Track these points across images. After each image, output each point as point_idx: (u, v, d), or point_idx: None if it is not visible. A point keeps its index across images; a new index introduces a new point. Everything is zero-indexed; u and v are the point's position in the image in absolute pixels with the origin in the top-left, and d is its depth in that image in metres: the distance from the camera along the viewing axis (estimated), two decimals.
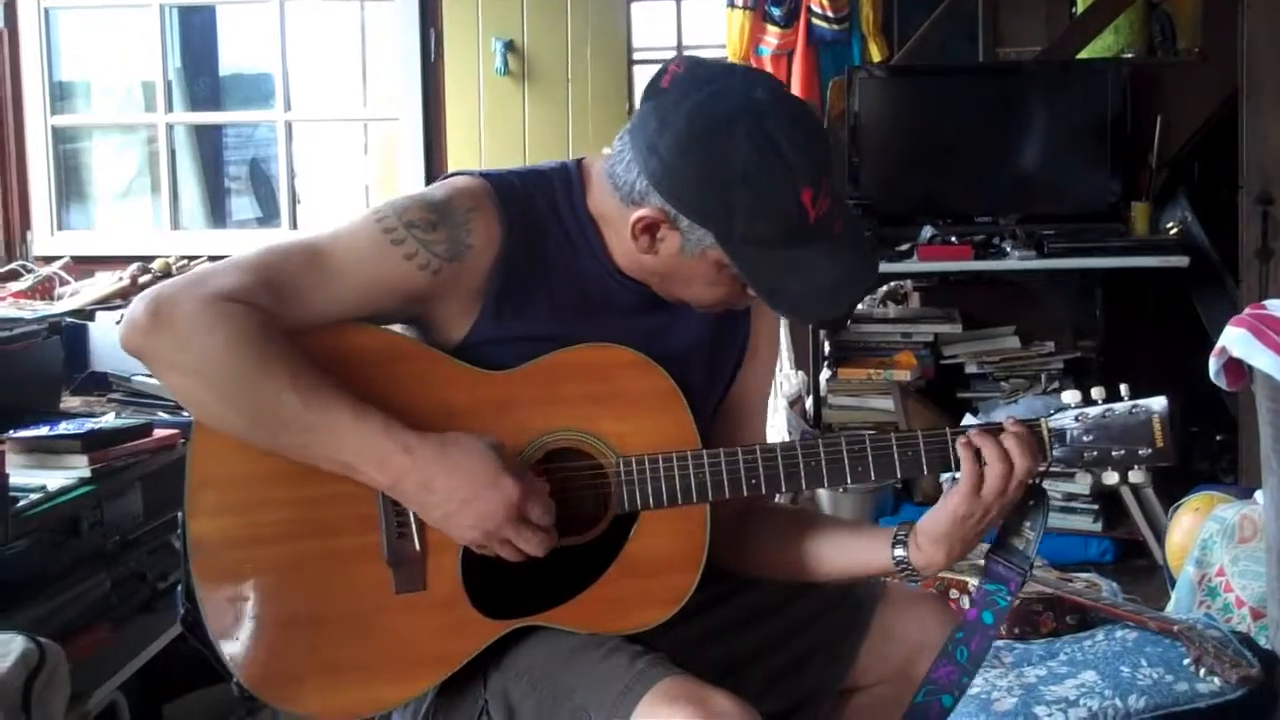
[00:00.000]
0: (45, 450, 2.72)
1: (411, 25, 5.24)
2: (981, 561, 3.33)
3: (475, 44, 5.21)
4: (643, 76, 5.77)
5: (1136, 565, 4.09)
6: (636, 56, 5.69)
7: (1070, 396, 1.77)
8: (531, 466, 1.71)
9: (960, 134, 4.73)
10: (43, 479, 2.65)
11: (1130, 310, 4.66)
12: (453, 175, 1.75)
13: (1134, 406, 1.75)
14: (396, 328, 1.75)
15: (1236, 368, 2.75)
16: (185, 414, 3.19)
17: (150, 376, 3.41)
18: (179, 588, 1.71)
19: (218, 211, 6.16)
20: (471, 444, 1.62)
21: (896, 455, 1.74)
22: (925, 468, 1.75)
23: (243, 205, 6.47)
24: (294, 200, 5.64)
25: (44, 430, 2.81)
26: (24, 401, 3.13)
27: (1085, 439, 1.74)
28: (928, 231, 4.45)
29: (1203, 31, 4.79)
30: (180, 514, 1.66)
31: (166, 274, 4.34)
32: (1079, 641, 2.98)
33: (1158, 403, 1.74)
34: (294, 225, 5.56)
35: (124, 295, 4.10)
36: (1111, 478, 1.76)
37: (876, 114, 4.70)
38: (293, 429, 1.59)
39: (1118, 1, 4.80)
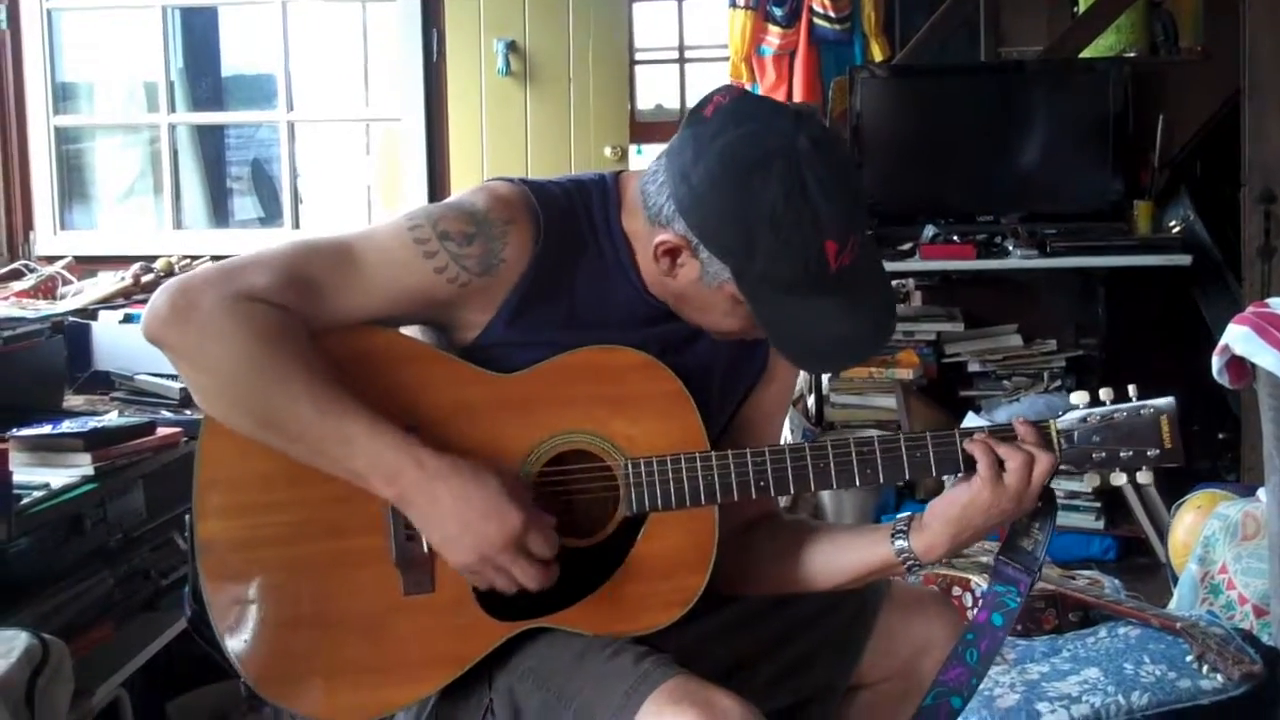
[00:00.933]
0: (48, 449, 2.73)
1: (413, 26, 5.24)
2: (984, 559, 3.35)
3: (477, 44, 5.21)
4: (644, 77, 5.77)
5: (1139, 563, 4.09)
6: (638, 57, 5.70)
7: (1078, 398, 1.77)
8: (539, 469, 1.71)
9: (962, 133, 4.73)
10: (46, 477, 2.66)
11: (1133, 309, 4.66)
12: (494, 181, 1.75)
13: (1142, 407, 1.76)
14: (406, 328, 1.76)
15: (1239, 366, 2.75)
16: (188, 413, 3.23)
17: (153, 376, 3.43)
18: (186, 588, 1.72)
19: (220, 212, 6.16)
20: (483, 472, 1.61)
21: (905, 457, 1.74)
22: (934, 469, 1.75)
23: (245, 205, 6.47)
24: (296, 200, 5.64)
25: (47, 429, 2.81)
26: (27, 400, 3.13)
27: (1093, 440, 1.75)
28: (930, 231, 4.46)
29: (1205, 30, 4.79)
30: (188, 515, 1.66)
31: (169, 274, 4.34)
32: (1082, 638, 2.98)
33: (1165, 403, 1.76)
34: (296, 225, 5.56)
35: (126, 295, 4.11)
36: (1119, 479, 1.78)
37: (878, 114, 4.70)
38: (306, 437, 1.59)
39: (1119, 0, 4.80)
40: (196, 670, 2.97)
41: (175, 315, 1.57)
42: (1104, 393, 1.76)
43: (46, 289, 4.24)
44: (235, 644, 1.64)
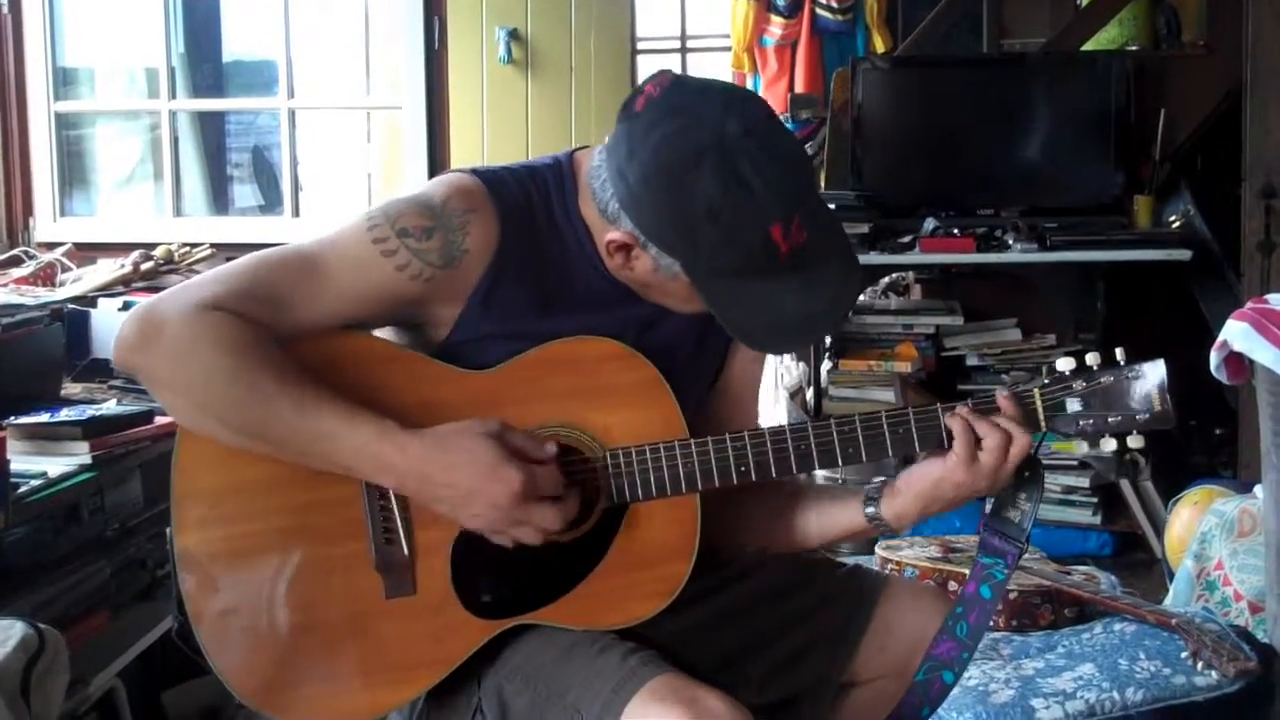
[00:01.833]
0: (46, 437, 2.73)
1: (415, 13, 5.23)
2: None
3: (479, 32, 5.21)
4: (647, 66, 5.76)
5: (1135, 559, 4.10)
6: (640, 46, 5.69)
7: (1064, 364, 1.76)
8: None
9: (963, 126, 4.72)
10: (44, 465, 2.66)
11: (1132, 303, 4.66)
12: (449, 174, 1.74)
13: (1130, 370, 1.74)
14: (378, 330, 1.75)
15: (1237, 362, 2.75)
16: None
17: None
18: (172, 598, 1.71)
19: (220, 199, 6.16)
20: (469, 435, 1.61)
21: (888, 434, 1.74)
22: (918, 444, 1.75)
23: (245, 193, 6.47)
24: (296, 188, 5.64)
25: (45, 417, 2.81)
26: (25, 388, 3.13)
27: (1081, 407, 1.75)
28: (930, 223, 4.45)
29: (1207, 24, 4.79)
30: (168, 529, 1.65)
31: (169, 261, 4.34)
32: (1077, 634, 2.99)
33: (1154, 366, 1.74)
34: (296, 213, 5.55)
35: (126, 282, 4.10)
36: (1110, 445, 1.76)
37: (880, 105, 4.69)
38: (289, 439, 1.59)
39: None
40: (192, 661, 2.97)
41: (144, 339, 1.58)
42: (1090, 357, 1.75)
43: (46, 276, 4.23)
44: (220, 654, 1.64)
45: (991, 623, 3.07)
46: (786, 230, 1.59)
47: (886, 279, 4.96)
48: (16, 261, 4.43)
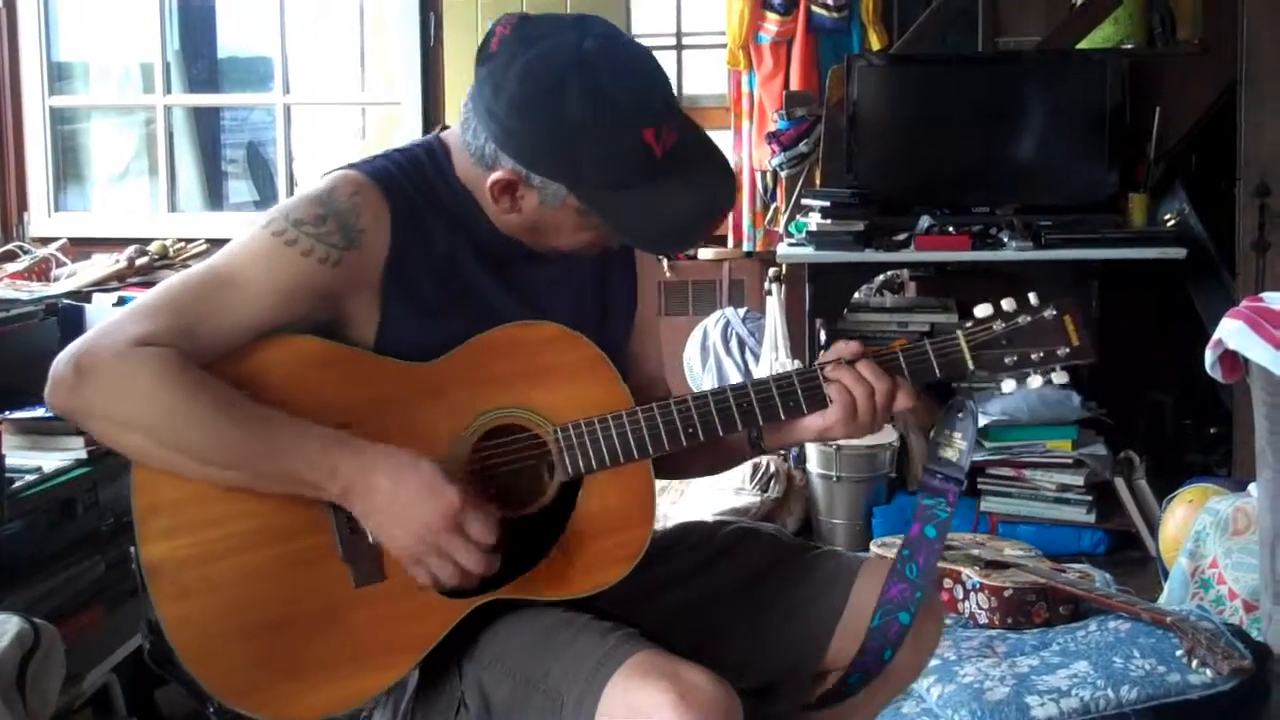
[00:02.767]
0: (41, 432, 2.73)
1: (411, 9, 5.22)
2: (975, 551, 3.35)
3: (475, 28, 5.19)
4: None
5: (1129, 557, 4.10)
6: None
7: (982, 310, 1.82)
8: (471, 448, 1.74)
9: (959, 124, 4.72)
10: (39, 460, 2.66)
11: (1126, 302, 4.66)
12: (328, 172, 1.78)
13: (1044, 309, 1.81)
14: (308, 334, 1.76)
15: (1232, 360, 2.76)
16: None
17: None
18: (141, 622, 1.71)
19: (215, 194, 6.15)
20: (418, 458, 1.64)
21: (824, 384, 1.78)
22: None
23: (240, 188, 6.46)
24: (292, 184, 5.63)
25: (40, 412, 2.81)
26: (20, 383, 3.11)
27: (1003, 344, 1.80)
28: (925, 221, 4.46)
29: (1203, 23, 4.79)
30: (132, 548, 1.65)
31: (163, 256, 4.33)
32: (1071, 632, 2.99)
33: (1066, 303, 1.81)
34: None
35: (121, 277, 4.08)
36: (1035, 381, 1.83)
37: (875, 103, 4.70)
38: (240, 460, 1.62)
39: None
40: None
41: (80, 379, 1.60)
42: (1006, 303, 1.81)
43: (40, 271, 4.22)
44: (199, 662, 1.64)
45: (986, 620, 3.10)
46: (658, 133, 1.66)
47: (881, 276, 4.96)
48: (11, 256, 4.42)
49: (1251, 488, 3.04)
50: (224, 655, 1.65)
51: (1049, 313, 1.80)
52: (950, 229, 4.43)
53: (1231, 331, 2.69)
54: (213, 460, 1.61)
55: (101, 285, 4.00)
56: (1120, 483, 4.17)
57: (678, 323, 5.24)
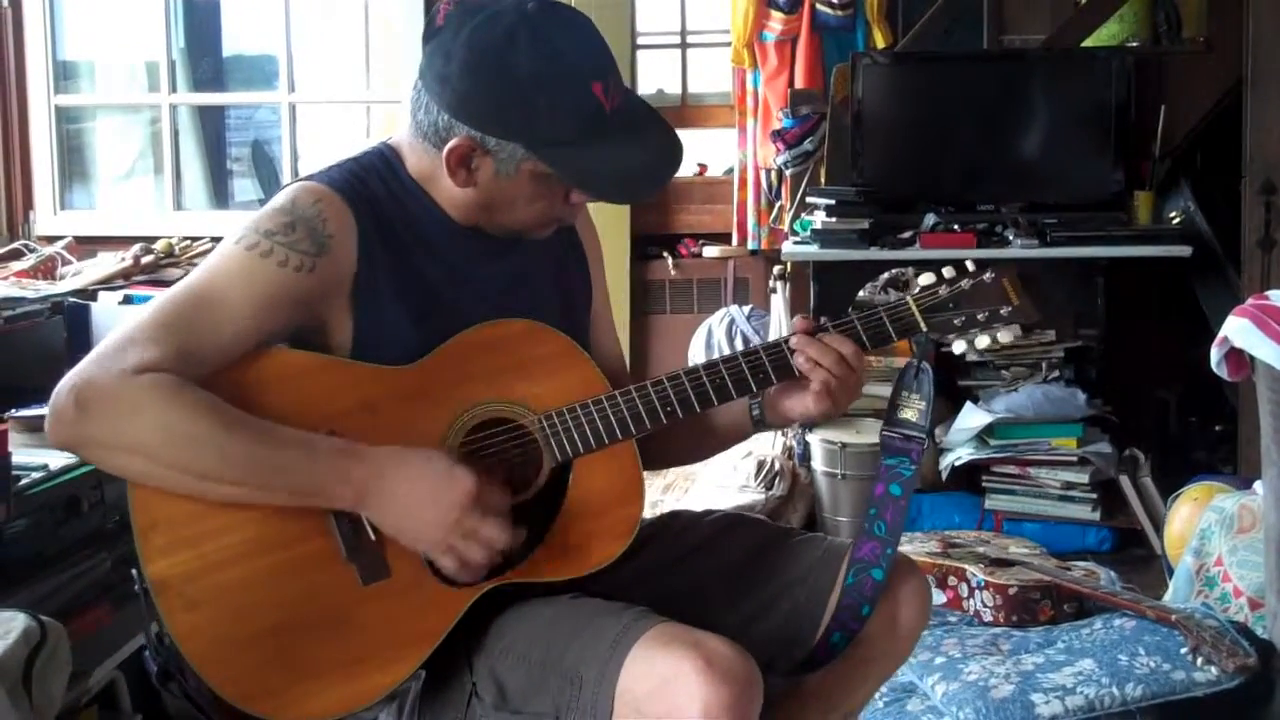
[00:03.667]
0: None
1: (415, 8, 5.23)
2: (980, 549, 3.35)
3: None
4: (647, 62, 5.76)
5: (1135, 554, 4.10)
6: (640, 41, 5.69)
7: (925, 278, 1.92)
8: (460, 444, 1.78)
9: (964, 121, 4.73)
10: (44, 458, 2.66)
11: (1132, 299, 4.66)
12: (284, 186, 1.81)
13: (983, 273, 1.91)
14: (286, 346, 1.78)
15: (1238, 358, 2.75)
16: None
17: None
18: (145, 651, 1.73)
19: (220, 193, 6.16)
20: (425, 452, 1.69)
21: (789, 355, 1.84)
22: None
23: (245, 187, 6.47)
24: (297, 176, 5.63)
25: (46, 409, 2.80)
26: (26, 380, 3.13)
27: (951, 308, 1.89)
28: (930, 219, 4.46)
29: (1207, 21, 4.78)
30: (135, 570, 1.66)
31: (169, 254, 4.34)
32: (1077, 629, 2.99)
33: (1002, 266, 1.93)
34: None
35: (126, 276, 4.10)
36: (983, 340, 1.91)
37: (880, 101, 4.70)
38: (246, 477, 1.63)
39: None
40: None
41: (82, 413, 1.61)
42: (946, 270, 1.91)
43: (46, 269, 4.23)
44: (212, 670, 1.65)
45: (991, 618, 3.10)
46: (606, 88, 1.72)
47: (886, 274, 4.94)
48: (17, 255, 4.43)
49: (1257, 485, 3.04)
50: (236, 661, 1.66)
51: (987, 276, 1.90)
52: (955, 227, 4.43)
53: (1237, 329, 2.68)
54: (218, 478, 1.63)
55: (107, 283, 4.01)
56: (1125, 480, 4.17)
57: (683, 320, 5.24)
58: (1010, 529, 4.11)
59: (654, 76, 5.91)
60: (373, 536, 1.70)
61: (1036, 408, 4.22)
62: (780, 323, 4.72)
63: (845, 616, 1.88)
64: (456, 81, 1.70)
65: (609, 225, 4.57)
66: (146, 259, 4.25)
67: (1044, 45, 4.83)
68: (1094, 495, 4.18)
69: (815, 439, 4.31)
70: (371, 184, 1.80)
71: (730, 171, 5.44)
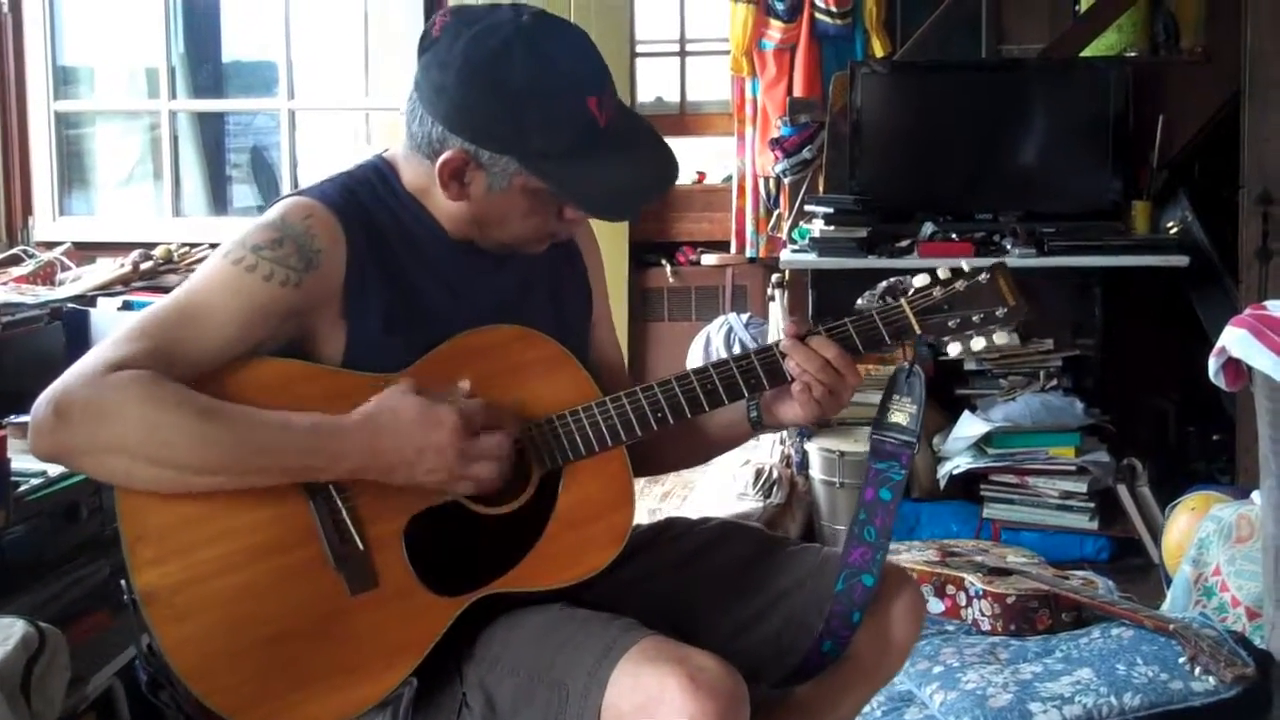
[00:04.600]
0: None
1: (415, 13, 5.24)
2: (979, 558, 3.35)
3: None
4: (646, 70, 5.77)
5: (1132, 564, 4.10)
6: (639, 50, 5.70)
7: (920, 280, 1.88)
8: None
9: (962, 131, 4.73)
10: (43, 464, 2.65)
11: (1129, 309, 4.66)
12: (275, 201, 1.80)
13: (977, 273, 1.86)
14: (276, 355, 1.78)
15: (1236, 368, 2.76)
16: None
17: None
18: (135, 660, 1.72)
19: (219, 199, 6.15)
20: (391, 398, 1.68)
21: (781, 359, 1.82)
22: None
23: (244, 193, 6.47)
24: (296, 188, 5.63)
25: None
26: (25, 387, 3.10)
27: (945, 310, 1.85)
28: (928, 228, 4.46)
29: (1206, 31, 4.79)
30: (124, 580, 1.66)
31: (168, 260, 4.35)
32: (1075, 639, 3.00)
33: (996, 263, 1.88)
34: None
35: (125, 282, 4.10)
36: (979, 343, 1.86)
37: (878, 109, 4.70)
38: (228, 463, 1.62)
39: (1121, 0, 4.80)
40: None
41: (59, 419, 1.60)
42: (940, 271, 1.87)
43: (45, 275, 4.24)
44: (201, 682, 1.65)
45: (989, 627, 3.10)
46: (600, 102, 1.71)
47: (884, 283, 4.95)
48: (16, 260, 4.43)
49: (1254, 495, 3.04)
50: (226, 672, 1.66)
51: (983, 276, 1.85)
52: (953, 236, 4.43)
53: (1235, 339, 2.69)
54: (200, 468, 1.62)
55: (106, 289, 4.01)
56: (1123, 490, 4.17)
57: (681, 328, 5.25)
58: (1008, 538, 4.11)
59: (653, 84, 5.92)
60: (360, 546, 1.69)
61: (1034, 417, 4.22)
62: (778, 331, 4.72)
63: (836, 624, 1.87)
64: (450, 93, 1.69)
65: (607, 233, 4.57)
66: (145, 265, 4.25)
67: (1042, 55, 4.84)
68: (1092, 504, 4.18)
69: (813, 447, 4.31)
70: (364, 198, 1.80)
71: (729, 179, 5.46)
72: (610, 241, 4.84)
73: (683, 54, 5.78)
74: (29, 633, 2.15)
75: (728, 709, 1.59)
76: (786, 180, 4.99)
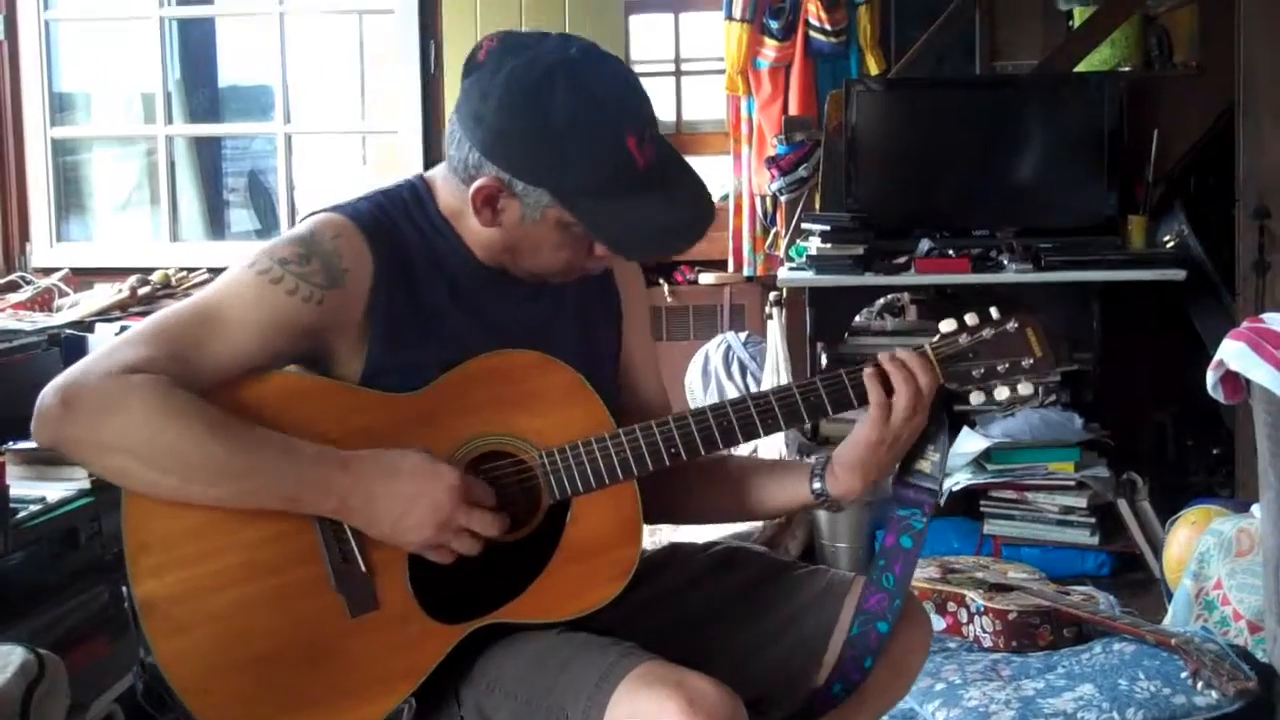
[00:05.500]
0: (45, 462, 2.72)
1: (411, 38, 5.24)
2: (980, 574, 3.35)
3: None
4: None
5: (1133, 578, 4.09)
6: (635, 69, 5.70)
7: (946, 325, 1.85)
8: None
9: (957, 147, 4.74)
10: (42, 490, 2.66)
11: (1127, 323, 4.66)
12: (308, 215, 1.80)
13: (1007, 321, 1.84)
14: (294, 369, 1.77)
15: (1234, 381, 2.76)
16: None
17: None
18: (134, 668, 1.73)
19: (216, 224, 6.15)
20: (403, 450, 1.68)
21: (800, 403, 1.80)
22: (830, 409, 1.82)
23: (241, 217, 6.47)
24: (293, 213, 5.63)
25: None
26: (24, 413, 3.11)
27: (971, 358, 1.83)
28: (925, 244, 4.47)
29: (1199, 45, 4.81)
30: (125, 588, 1.66)
31: (165, 285, 4.34)
32: (1076, 654, 2.99)
33: (1028, 315, 1.86)
34: None
35: (123, 307, 4.10)
36: (1002, 393, 1.85)
37: (874, 127, 4.71)
38: (228, 478, 1.62)
39: (1114, 15, 4.82)
40: None
41: (66, 409, 1.61)
42: (969, 317, 1.84)
43: (43, 301, 4.24)
44: (195, 696, 1.64)
45: (991, 643, 3.10)
46: (640, 142, 1.70)
47: (882, 300, 4.96)
48: (13, 287, 4.43)
49: (1255, 508, 3.04)
50: (221, 689, 1.65)
51: (1011, 325, 1.84)
52: (950, 252, 4.44)
53: (1233, 353, 2.69)
54: (198, 480, 1.62)
55: (104, 315, 4.01)
56: (1123, 504, 4.17)
57: (679, 347, 5.24)
58: (1009, 554, 4.10)
59: None
60: (363, 569, 1.69)
61: (1034, 432, 4.22)
62: (776, 349, 4.72)
63: (848, 668, 1.86)
64: (490, 120, 1.68)
65: None
66: (143, 290, 4.25)
67: (1036, 71, 4.85)
68: (1092, 519, 4.17)
69: None
70: (396, 218, 1.79)
71: (725, 198, 5.45)
72: None
73: (678, 73, 5.79)
74: (28, 659, 2.14)
75: None
76: (783, 198, 4.99)
